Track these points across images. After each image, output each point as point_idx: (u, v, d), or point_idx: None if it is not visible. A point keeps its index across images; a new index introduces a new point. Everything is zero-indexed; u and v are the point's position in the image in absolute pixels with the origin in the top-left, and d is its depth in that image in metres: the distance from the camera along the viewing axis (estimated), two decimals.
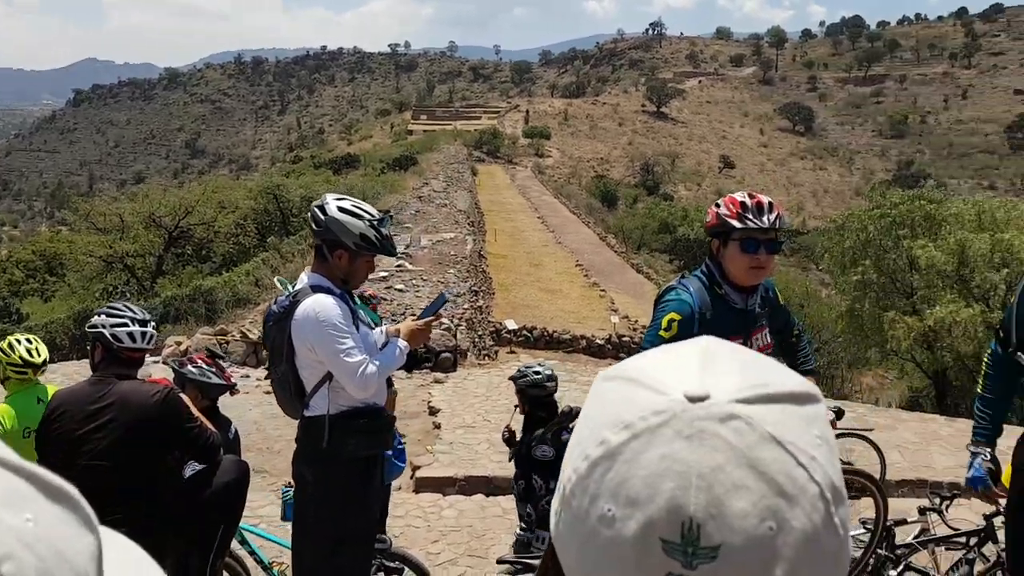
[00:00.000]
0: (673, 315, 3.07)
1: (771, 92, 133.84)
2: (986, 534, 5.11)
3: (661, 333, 3.08)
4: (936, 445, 9.53)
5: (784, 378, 0.63)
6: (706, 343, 0.67)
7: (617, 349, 19.62)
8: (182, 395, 3.60)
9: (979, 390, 2.92)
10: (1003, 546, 3.72)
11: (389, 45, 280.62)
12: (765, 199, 3.09)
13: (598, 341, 19.05)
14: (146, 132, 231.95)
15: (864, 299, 19.93)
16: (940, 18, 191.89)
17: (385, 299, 14.33)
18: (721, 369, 0.63)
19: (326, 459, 3.19)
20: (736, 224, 3.02)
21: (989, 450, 2.78)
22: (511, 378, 4.88)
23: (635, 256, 37.36)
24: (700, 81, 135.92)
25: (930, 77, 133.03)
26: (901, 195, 21.36)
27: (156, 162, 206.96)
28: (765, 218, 3.02)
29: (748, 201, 3.05)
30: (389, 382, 6.63)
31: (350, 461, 3.20)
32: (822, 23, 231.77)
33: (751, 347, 3.15)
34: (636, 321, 22.00)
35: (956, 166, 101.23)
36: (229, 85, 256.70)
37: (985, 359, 2.96)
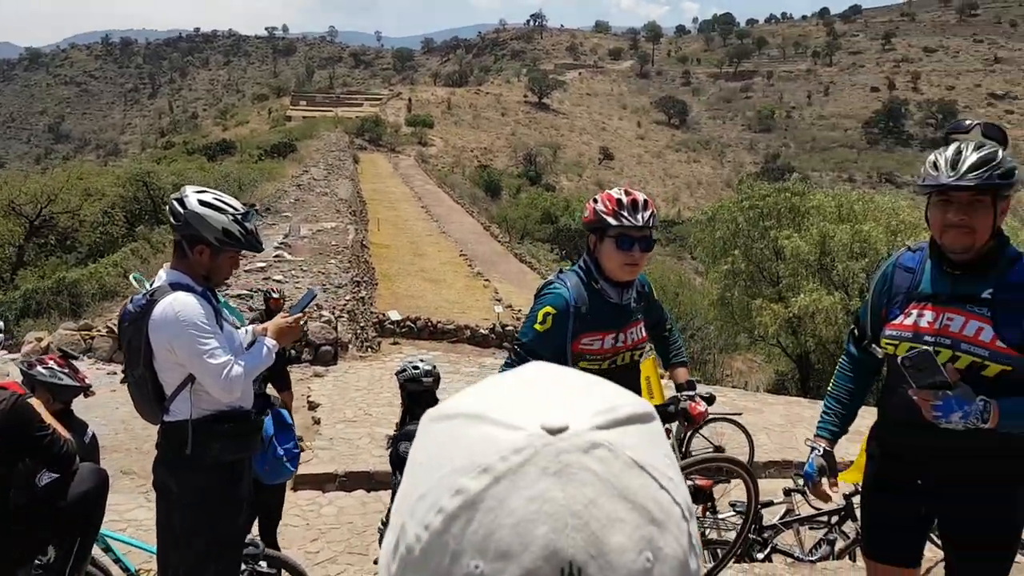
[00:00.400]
0: (549, 308, 3.10)
1: (648, 86, 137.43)
2: (846, 512, 5.43)
3: (536, 326, 3.11)
4: (801, 427, 10.06)
5: (624, 398, 0.61)
6: (534, 371, 0.64)
7: (501, 339, 19.75)
8: (32, 400, 3.39)
9: (831, 387, 3.06)
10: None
11: (266, 28, 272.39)
12: (641, 197, 3.14)
13: (482, 331, 19.13)
14: (5, 115, 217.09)
15: (734, 287, 20.82)
16: (804, 17, 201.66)
17: (273, 295, 13.95)
18: (566, 396, 0.59)
19: (190, 466, 3.06)
20: (612, 221, 3.07)
21: (825, 445, 2.92)
22: (396, 373, 4.82)
23: (518, 246, 37.65)
24: (580, 73, 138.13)
25: (795, 74, 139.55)
26: (768, 188, 22.42)
27: (16, 147, 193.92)
28: (639, 216, 3.08)
29: (624, 199, 3.10)
30: (286, 383, 6.47)
31: (215, 467, 3.09)
32: (695, 19, 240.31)
33: (627, 340, 3.22)
34: (520, 311, 22.20)
35: (818, 159, 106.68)
36: (96, 67, 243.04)
37: (841, 359, 3.10)
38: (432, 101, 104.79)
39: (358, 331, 14.45)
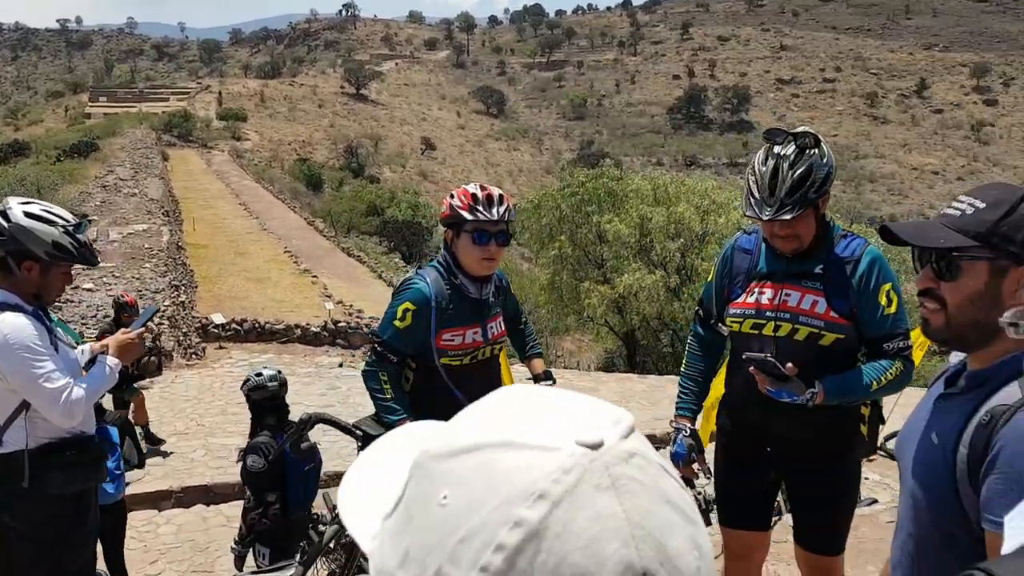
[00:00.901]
0: (408, 304, 3.10)
1: (465, 76, 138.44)
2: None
3: (396, 323, 3.10)
4: (634, 401, 10.54)
5: (612, 407, 0.61)
6: (512, 394, 0.62)
7: (334, 336, 19.35)
8: None
9: (684, 368, 3.21)
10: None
11: (58, 21, 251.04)
12: (496, 192, 3.17)
13: (313, 329, 18.66)
14: None
15: (562, 271, 21.48)
16: (609, 9, 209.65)
17: (72, 304, 12.96)
18: (576, 412, 0.59)
19: (29, 499, 2.82)
20: (467, 216, 3.08)
21: (688, 424, 3.07)
22: (241, 387, 4.60)
23: (345, 240, 37.01)
24: (397, 64, 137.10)
25: (603, 63, 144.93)
26: (587, 174, 23.19)
27: None
28: (495, 210, 3.10)
29: (479, 193, 3.11)
30: (125, 384, 6.00)
31: (58, 498, 2.86)
32: (506, 10, 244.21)
33: (488, 335, 3.22)
34: (352, 306, 21.84)
35: (629, 145, 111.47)
36: None
37: (689, 341, 3.24)
38: (244, 94, 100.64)
39: (180, 338, 13.74)
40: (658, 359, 20.34)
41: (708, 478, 3.17)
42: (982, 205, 1.58)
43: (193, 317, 15.97)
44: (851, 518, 3.01)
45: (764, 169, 2.65)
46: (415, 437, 0.69)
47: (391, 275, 30.34)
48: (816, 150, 2.65)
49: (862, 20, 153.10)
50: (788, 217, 2.59)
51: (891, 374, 2.73)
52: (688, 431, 3.04)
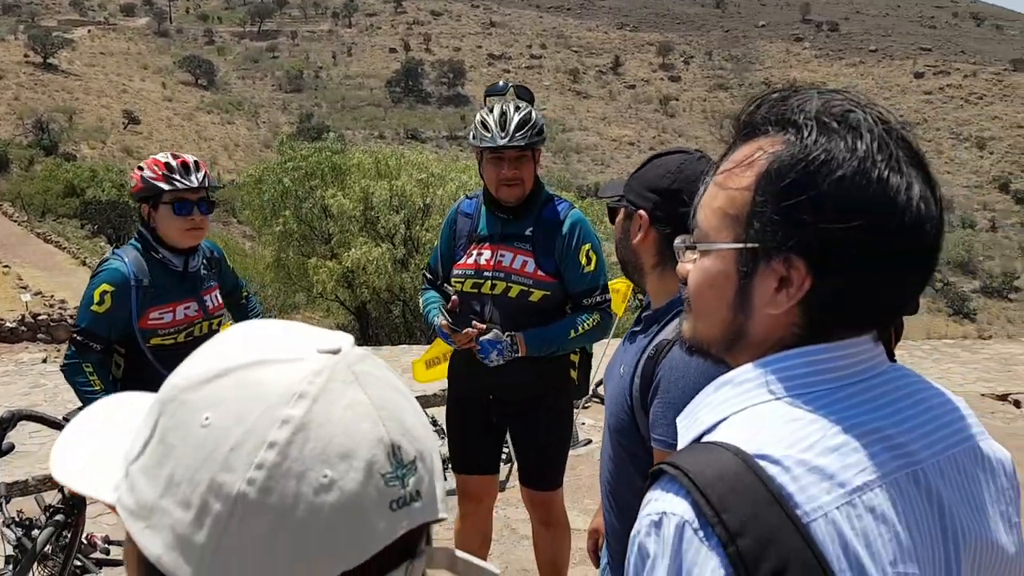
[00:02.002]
0: (105, 287, 2.96)
1: (169, 44, 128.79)
2: None
3: (94, 308, 2.96)
4: None
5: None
6: (255, 324, 0.70)
7: (34, 330, 17.73)
8: None
9: (423, 302, 3.30)
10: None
11: None
12: (191, 158, 3.09)
13: (9, 325, 17.04)
14: None
15: (288, 248, 21.10)
16: None
17: None
18: (303, 330, 0.68)
19: None
20: (164, 186, 2.98)
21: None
22: None
23: (40, 224, 33.63)
24: (90, 31, 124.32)
25: (318, 34, 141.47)
26: (309, 148, 22.86)
27: None
28: (193, 178, 3.03)
29: (173, 162, 3.03)
30: None
31: None
32: None
33: (205, 308, 3.17)
34: (52, 296, 20.07)
35: (350, 118, 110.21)
36: None
37: (421, 299, 3.42)
38: None
39: None
40: (391, 330, 20.74)
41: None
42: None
43: None
44: (566, 456, 3.34)
45: (494, 114, 2.96)
46: (123, 401, 0.77)
47: (96, 260, 27.98)
48: (532, 105, 3.03)
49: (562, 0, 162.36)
50: (522, 144, 2.89)
51: (588, 324, 3.04)
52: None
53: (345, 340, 0.65)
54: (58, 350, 16.29)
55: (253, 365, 0.62)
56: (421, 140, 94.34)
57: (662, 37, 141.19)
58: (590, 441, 6.61)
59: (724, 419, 0.91)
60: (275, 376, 0.61)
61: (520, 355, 2.99)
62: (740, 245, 0.93)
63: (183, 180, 3.01)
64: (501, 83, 3.19)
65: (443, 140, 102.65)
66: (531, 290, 3.03)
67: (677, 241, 1.05)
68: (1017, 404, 8.13)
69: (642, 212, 1.78)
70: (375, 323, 21.50)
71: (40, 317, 17.75)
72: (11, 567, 3.33)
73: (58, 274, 24.77)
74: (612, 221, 1.90)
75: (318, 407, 0.60)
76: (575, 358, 3.27)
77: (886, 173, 0.87)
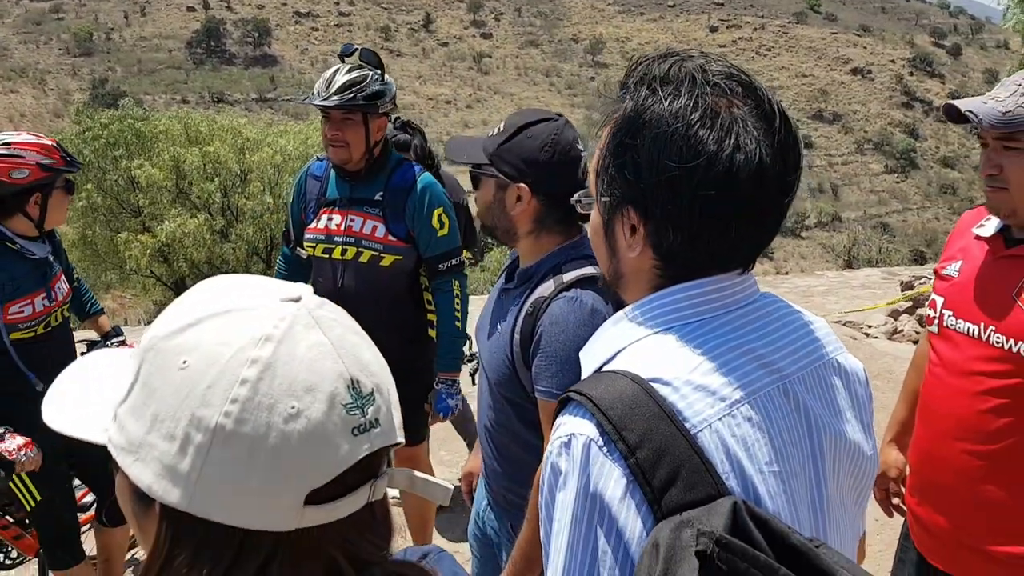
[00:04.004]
0: None
1: None
2: None
3: None
4: None
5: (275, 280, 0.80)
6: (219, 279, 0.79)
7: None
8: None
9: None
10: None
11: None
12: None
13: None
14: None
15: (94, 224, 19.75)
16: None
17: None
18: (264, 282, 0.77)
19: None
20: (66, 169, 2.90)
21: None
22: None
23: None
24: None
25: None
26: (110, 115, 21.36)
27: None
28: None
29: (51, 143, 2.90)
30: None
31: None
32: None
33: (56, 297, 3.01)
34: None
35: (148, 82, 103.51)
36: None
37: (278, 261, 3.41)
38: None
39: None
40: None
41: None
42: (501, 128, 1.84)
43: None
44: (428, 412, 3.31)
45: (327, 73, 2.98)
46: (92, 360, 0.85)
47: None
48: (377, 71, 3.01)
49: None
50: (337, 103, 2.88)
51: (457, 299, 3.11)
52: None
53: (305, 289, 0.75)
54: None
55: (223, 313, 0.71)
56: (229, 103, 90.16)
57: None
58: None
59: (620, 351, 1.02)
60: (243, 322, 0.70)
61: (455, 384, 3.22)
62: (593, 199, 1.09)
63: (74, 160, 2.95)
64: (353, 45, 3.16)
65: (252, 103, 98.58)
66: (382, 255, 3.03)
67: (575, 196, 1.19)
68: None
69: (522, 184, 1.81)
70: None
71: None
72: None
73: None
74: (475, 188, 1.92)
75: (283, 348, 0.69)
76: (432, 317, 3.30)
77: (695, 128, 0.96)
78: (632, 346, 1.02)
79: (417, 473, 0.78)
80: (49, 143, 2.92)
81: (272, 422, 0.67)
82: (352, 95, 2.94)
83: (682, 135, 0.96)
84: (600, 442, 0.92)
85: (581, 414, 0.95)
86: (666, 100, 0.98)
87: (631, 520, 0.89)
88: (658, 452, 0.89)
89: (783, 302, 1.11)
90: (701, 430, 0.92)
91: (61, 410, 0.79)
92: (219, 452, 0.66)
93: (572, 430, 0.95)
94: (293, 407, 0.67)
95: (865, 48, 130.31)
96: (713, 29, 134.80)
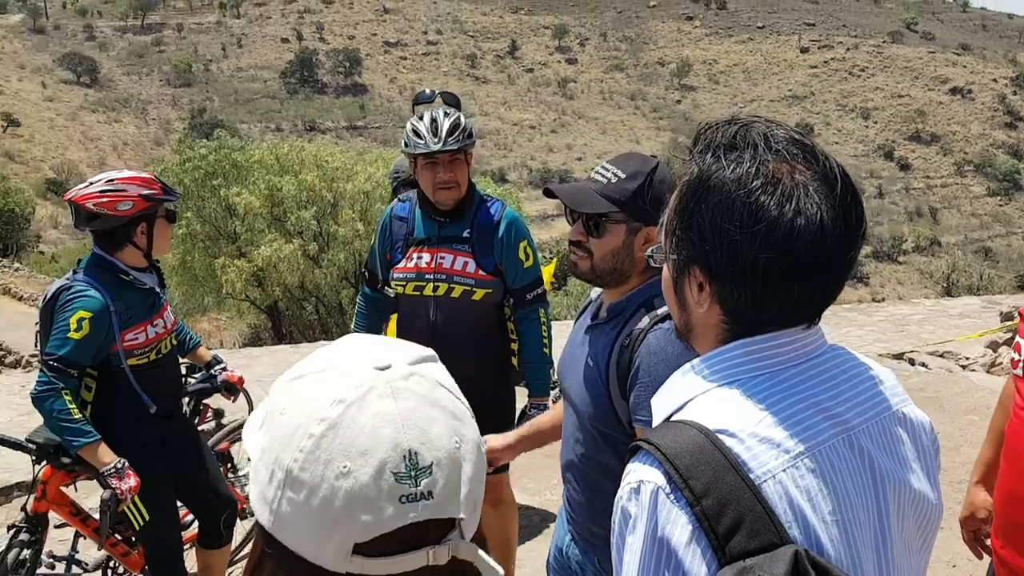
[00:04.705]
0: (83, 313, 2.97)
1: (47, 42, 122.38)
2: None
3: (72, 335, 2.93)
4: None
5: (419, 348, 0.87)
6: (353, 338, 0.88)
7: None
8: None
9: (353, 327, 3.48)
10: None
11: None
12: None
13: None
14: None
15: (194, 250, 20.57)
16: None
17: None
18: (382, 347, 0.85)
19: None
20: (168, 199, 3.11)
21: None
22: None
23: None
24: None
25: (206, 26, 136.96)
26: (208, 145, 22.28)
27: None
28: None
29: (149, 175, 3.15)
30: None
31: None
32: None
33: (167, 325, 3.25)
34: None
35: (244, 111, 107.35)
36: None
37: (359, 301, 3.56)
38: None
39: None
40: (304, 327, 20.51)
41: None
42: (623, 175, 1.89)
43: None
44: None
45: (424, 121, 3.08)
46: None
47: None
48: (459, 110, 3.16)
49: None
50: (455, 147, 3.01)
51: (544, 326, 3.25)
52: None
53: (400, 358, 0.82)
54: None
55: (319, 372, 0.81)
56: (320, 131, 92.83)
57: (557, 20, 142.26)
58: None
59: (689, 401, 1.07)
60: (330, 383, 0.79)
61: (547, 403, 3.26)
62: (662, 255, 1.15)
63: (172, 190, 3.16)
64: (427, 91, 3.33)
65: (343, 131, 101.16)
66: (473, 289, 3.15)
67: (647, 251, 1.27)
68: (911, 362, 8.65)
69: (653, 227, 1.87)
70: (288, 320, 21.21)
71: None
72: None
73: None
74: (596, 233, 1.93)
75: (350, 412, 0.76)
76: (515, 346, 3.39)
77: (756, 195, 1.01)
78: (700, 397, 1.06)
79: (481, 552, 0.82)
80: (148, 176, 3.14)
81: (326, 475, 0.74)
82: (460, 136, 3.08)
83: (743, 201, 1.01)
84: (667, 489, 0.97)
85: (650, 462, 1.00)
86: (729, 167, 1.04)
87: (696, 564, 0.94)
88: (723, 501, 0.93)
89: (850, 354, 1.14)
90: (765, 481, 0.96)
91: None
92: (289, 491, 0.76)
93: (641, 477, 1.01)
94: (345, 467, 0.74)
95: (965, 67, 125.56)
96: (804, 50, 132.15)
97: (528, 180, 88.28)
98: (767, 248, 1.00)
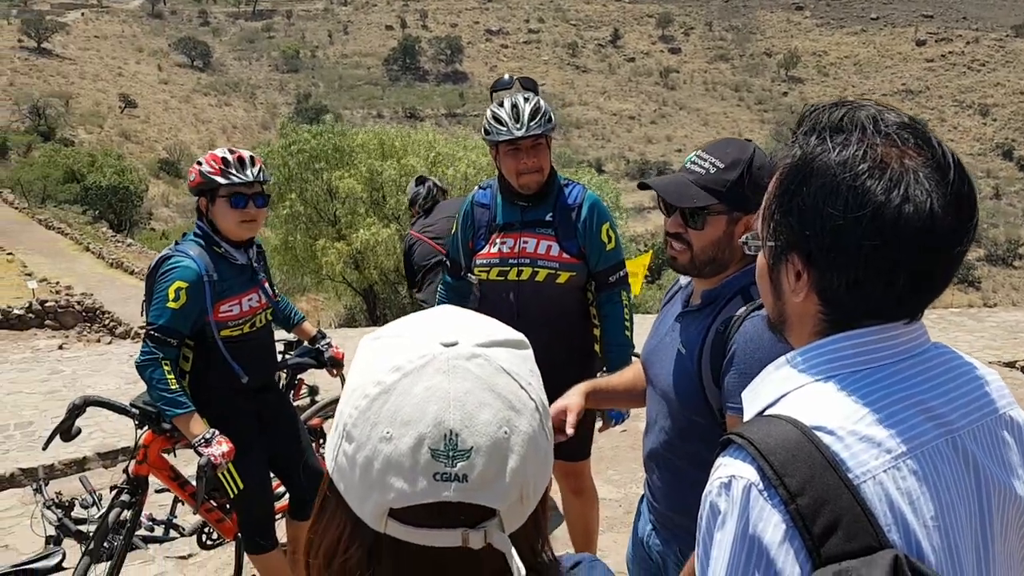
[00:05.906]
0: (180, 283, 3.04)
1: (163, 26, 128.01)
2: None
3: (170, 304, 3.02)
4: None
5: (505, 331, 0.85)
6: (444, 309, 0.88)
7: (42, 317, 17.79)
8: None
9: None
10: None
11: None
12: (247, 153, 3.19)
13: (16, 312, 17.05)
14: None
15: (295, 231, 21.09)
16: None
17: None
18: (461, 324, 0.84)
19: None
20: (221, 180, 3.07)
21: None
22: None
23: (41, 211, 33.61)
24: (83, 14, 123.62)
25: (313, 13, 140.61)
26: (312, 129, 22.77)
27: None
28: (248, 172, 3.11)
29: (230, 156, 3.12)
30: None
31: None
32: None
33: (262, 299, 3.24)
34: (58, 283, 20.11)
35: (348, 97, 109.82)
36: None
37: (440, 290, 3.54)
38: None
39: None
40: (398, 311, 20.81)
41: None
42: (721, 165, 1.82)
43: None
44: (593, 428, 3.37)
45: (505, 107, 3.03)
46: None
47: (100, 247, 28.00)
48: (536, 94, 3.11)
49: None
50: (539, 132, 2.98)
51: (626, 309, 3.21)
52: None
53: (468, 337, 0.81)
54: (67, 336, 16.37)
55: (396, 337, 0.83)
56: (420, 118, 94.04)
57: (661, 8, 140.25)
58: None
59: (783, 395, 1.03)
60: (395, 350, 0.80)
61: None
62: (759, 243, 1.12)
63: (239, 174, 3.11)
64: (506, 77, 3.30)
65: (442, 118, 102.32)
66: (558, 272, 3.13)
67: (743, 238, 1.21)
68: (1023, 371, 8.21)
69: (751, 215, 1.82)
70: (383, 303, 21.59)
71: (48, 304, 17.78)
72: (83, 547, 3.44)
73: (62, 260, 24.79)
74: (696, 225, 1.87)
75: (405, 381, 0.77)
76: (597, 332, 3.34)
77: (862, 179, 0.96)
78: (795, 392, 1.02)
79: (512, 550, 0.79)
80: (222, 155, 3.15)
81: (371, 437, 0.76)
82: (542, 120, 3.04)
83: (848, 185, 0.96)
84: (760, 486, 0.93)
85: (742, 457, 0.96)
86: (835, 150, 0.99)
87: (789, 565, 0.90)
88: (819, 500, 0.90)
89: (955, 353, 1.09)
90: (864, 481, 0.92)
91: None
92: (345, 443, 0.79)
93: (733, 472, 0.96)
94: (388, 432, 0.76)
95: None
96: (920, 43, 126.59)
97: (625, 171, 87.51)
98: (871, 235, 0.95)
